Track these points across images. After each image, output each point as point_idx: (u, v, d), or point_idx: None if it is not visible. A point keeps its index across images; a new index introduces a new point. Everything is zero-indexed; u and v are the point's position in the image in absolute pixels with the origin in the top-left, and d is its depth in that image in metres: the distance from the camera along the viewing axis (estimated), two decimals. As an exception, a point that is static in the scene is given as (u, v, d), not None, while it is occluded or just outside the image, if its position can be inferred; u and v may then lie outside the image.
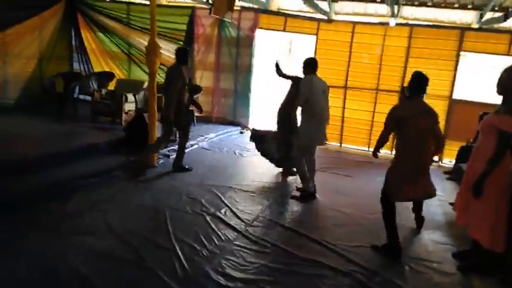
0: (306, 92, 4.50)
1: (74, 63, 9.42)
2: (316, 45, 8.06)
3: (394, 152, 3.89)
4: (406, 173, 3.39)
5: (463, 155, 5.68)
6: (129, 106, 7.09)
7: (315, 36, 8.06)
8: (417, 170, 3.43)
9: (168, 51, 8.39)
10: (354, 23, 7.79)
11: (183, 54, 5.14)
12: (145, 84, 7.09)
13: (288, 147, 5.21)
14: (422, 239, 3.90)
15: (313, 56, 7.89)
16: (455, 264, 3.36)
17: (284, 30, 8.36)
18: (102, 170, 4.81)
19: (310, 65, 4.66)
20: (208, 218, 3.87)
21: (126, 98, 6.98)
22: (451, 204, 4.82)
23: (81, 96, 7.87)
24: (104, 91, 7.51)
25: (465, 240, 3.59)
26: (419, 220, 4.08)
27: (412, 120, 3.32)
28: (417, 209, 4.06)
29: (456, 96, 7.41)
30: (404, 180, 3.40)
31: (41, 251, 2.95)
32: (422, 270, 3.24)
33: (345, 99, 7.92)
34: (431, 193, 3.62)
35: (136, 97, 7.17)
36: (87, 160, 5.00)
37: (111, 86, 8.15)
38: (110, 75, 8.47)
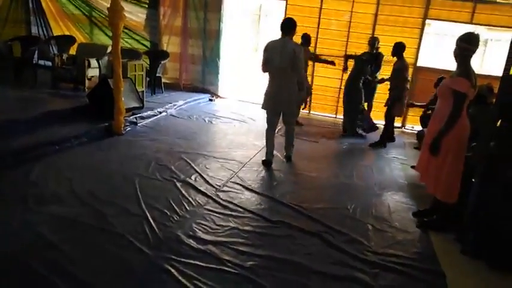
0: (263, 56, 4.47)
1: (32, 27, 8.89)
2: (285, 10, 7.96)
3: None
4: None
5: (425, 121, 5.90)
6: (92, 72, 6.81)
7: (285, 1, 7.95)
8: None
9: (131, 14, 8.07)
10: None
11: (306, 39, 6.53)
12: (109, 49, 6.80)
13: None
14: (385, 200, 4.08)
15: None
16: (415, 223, 3.56)
17: (253, -7, 8.18)
18: (66, 137, 4.65)
19: (281, 27, 4.43)
20: (178, 184, 3.87)
21: (89, 63, 6.70)
22: (412, 167, 5.06)
23: (41, 62, 7.47)
24: (64, 56, 7.16)
25: (425, 200, 3.81)
26: None
27: None
28: None
29: (420, 63, 7.60)
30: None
31: (6, 221, 2.87)
32: (385, 229, 3.41)
33: (314, 66, 7.93)
34: None
35: (100, 62, 6.88)
36: (50, 128, 4.80)
37: (72, 50, 7.78)
38: (70, 39, 8.07)
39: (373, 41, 6.79)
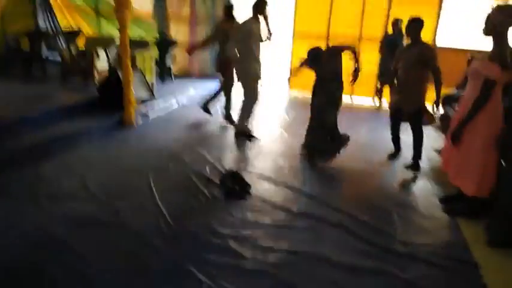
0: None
1: (39, 21, 8.79)
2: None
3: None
4: None
5: (447, 103, 5.65)
6: (101, 64, 6.70)
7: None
8: None
9: (138, 3, 7.89)
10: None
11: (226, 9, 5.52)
12: (117, 40, 6.68)
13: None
14: (409, 185, 3.91)
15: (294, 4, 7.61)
16: (442, 209, 3.38)
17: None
18: (78, 132, 4.58)
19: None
20: (192, 176, 3.75)
21: (98, 55, 6.59)
22: (435, 151, 4.85)
23: (49, 56, 7.41)
24: (73, 49, 7.07)
25: (451, 185, 3.59)
26: None
27: None
28: None
29: (439, 43, 7.27)
30: None
31: (18, 221, 2.79)
32: (411, 216, 3.25)
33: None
34: None
35: (109, 54, 6.77)
36: (61, 122, 4.73)
37: (81, 43, 7.68)
38: (78, 32, 7.97)
39: (395, 23, 6.55)
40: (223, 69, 5.45)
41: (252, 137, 4.94)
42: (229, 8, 5.43)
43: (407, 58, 4.02)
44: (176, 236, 2.73)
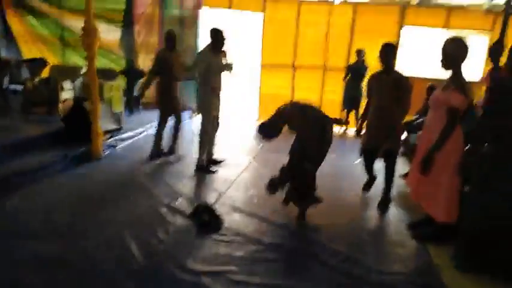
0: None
1: (0, 51, 8.56)
2: (263, 23, 7.93)
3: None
4: None
5: (409, 130, 5.87)
6: (66, 94, 6.55)
7: (262, 14, 7.92)
8: None
9: (104, 32, 7.87)
10: (300, 1, 7.75)
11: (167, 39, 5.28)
12: (83, 70, 6.58)
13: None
14: (377, 213, 3.97)
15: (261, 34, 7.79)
16: (411, 235, 3.45)
17: (230, 7, 8.12)
18: (42, 165, 4.40)
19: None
20: (162, 209, 3.67)
21: (62, 86, 6.44)
22: (401, 176, 4.98)
23: (12, 87, 7.17)
24: (36, 80, 6.88)
25: (418, 210, 3.68)
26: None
27: None
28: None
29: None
30: None
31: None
32: (382, 244, 3.33)
33: (293, 78, 7.92)
34: None
35: (74, 84, 6.64)
36: (24, 156, 4.54)
37: (45, 73, 7.50)
38: (42, 62, 7.78)
39: (359, 53, 6.97)
40: (163, 102, 5.29)
41: (210, 171, 4.88)
42: (170, 37, 5.23)
43: (381, 87, 3.85)
44: (148, 275, 2.64)
